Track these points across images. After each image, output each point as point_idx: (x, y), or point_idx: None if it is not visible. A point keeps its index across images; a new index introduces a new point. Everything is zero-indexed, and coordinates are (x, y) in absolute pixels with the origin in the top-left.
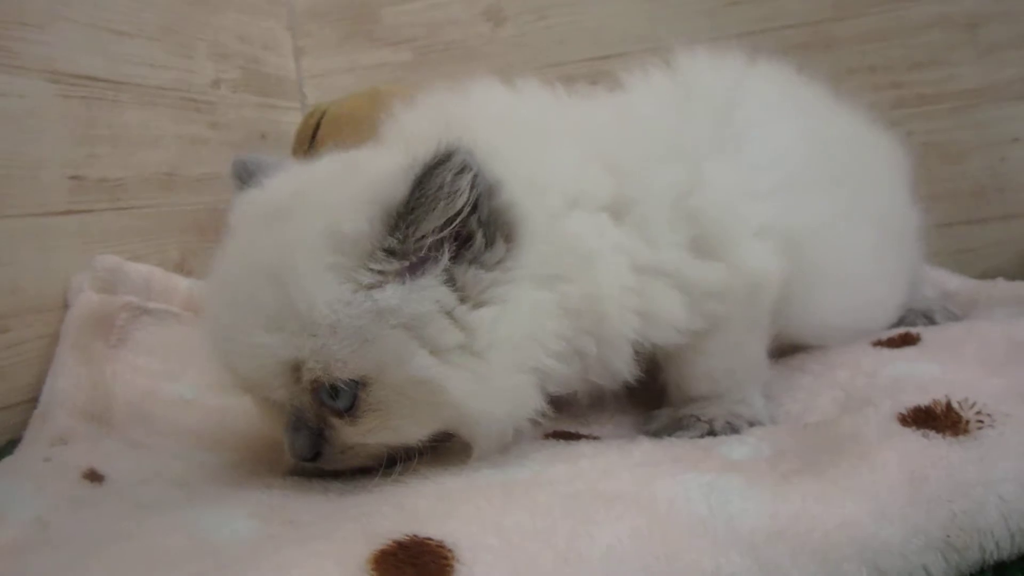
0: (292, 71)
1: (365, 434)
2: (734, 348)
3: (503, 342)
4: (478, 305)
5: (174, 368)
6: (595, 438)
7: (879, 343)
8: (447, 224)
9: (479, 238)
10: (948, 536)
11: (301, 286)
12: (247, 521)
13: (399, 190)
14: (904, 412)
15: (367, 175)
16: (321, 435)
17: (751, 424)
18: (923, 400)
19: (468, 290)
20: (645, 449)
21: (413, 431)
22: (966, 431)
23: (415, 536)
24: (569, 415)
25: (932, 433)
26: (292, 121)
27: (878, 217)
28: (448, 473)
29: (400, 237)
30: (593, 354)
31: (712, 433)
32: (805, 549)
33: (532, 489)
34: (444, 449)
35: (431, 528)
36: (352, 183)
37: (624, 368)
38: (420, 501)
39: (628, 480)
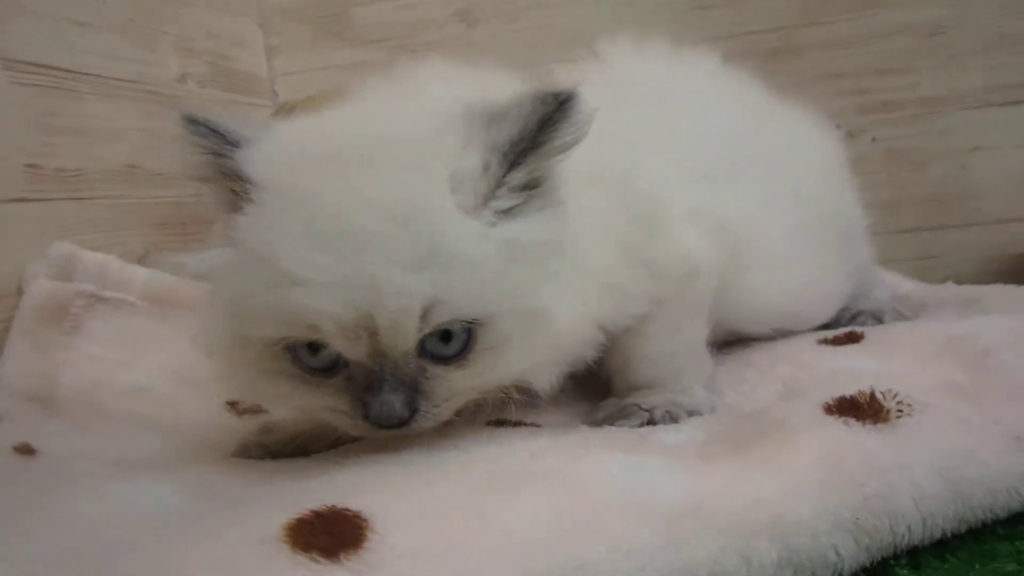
0: (263, 69)
1: (476, 376)
2: (673, 331)
3: (591, 272)
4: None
5: (128, 357)
6: (536, 426)
7: (825, 341)
8: (555, 161)
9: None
10: (858, 518)
11: (436, 226)
12: (175, 496)
13: (517, 128)
14: (830, 401)
15: (469, 114)
16: (416, 390)
17: (691, 414)
18: (850, 390)
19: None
20: (581, 435)
21: (521, 365)
22: (886, 420)
23: (333, 506)
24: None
25: (853, 421)
26: (263, 119)
27: (807, 203)
28: (382, 453)
29: (519, 173)
30: None
31: (652, 422)
32: (716, 525)
33: (457, 465)
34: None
35: (351, 500)
36: (455, 124)
37: (590, 349)
38: (348, 476)
39: (555, 459)
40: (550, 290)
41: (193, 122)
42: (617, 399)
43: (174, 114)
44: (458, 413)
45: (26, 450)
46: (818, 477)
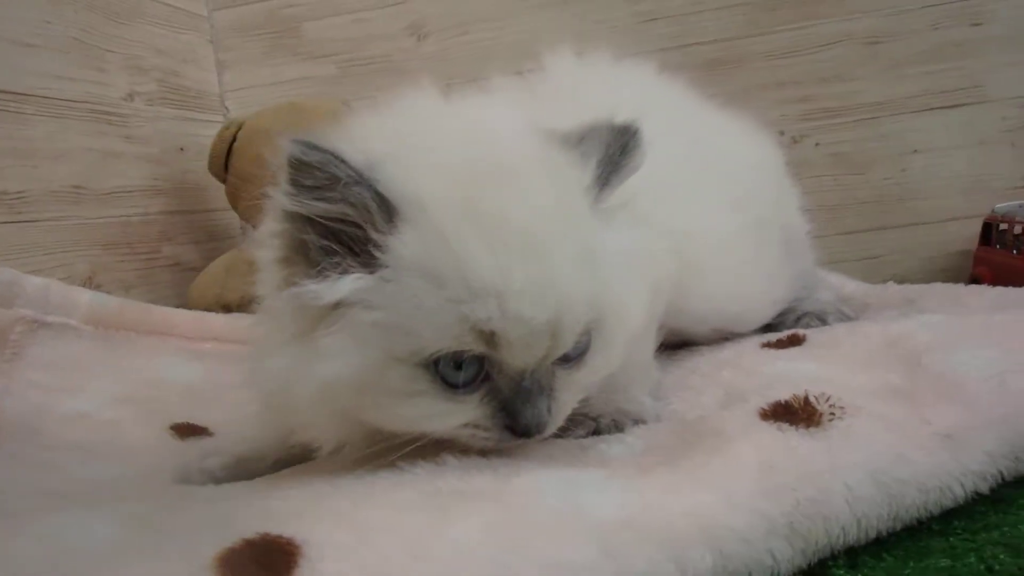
0: (214, 84)
1: (588, 375)
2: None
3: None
4: None
5: (71, 382)
6: None
7: (768, 344)
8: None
9: None
10: (792, 522)
11: (590, 231)
12: (107, 526)
13: (603, 153)
14: (766, 407)
15: (556, 137)
16: (551, 395)
17: (636, 422)
18: (786, 395)
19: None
20: (524, 450)
21: (616, 362)
22: (819, 424)
23: (266, 534)
24: None
25: (787, 426)
26: (213, 134)
27: (745, 209)
28: (319, 476)
29: (612, 188)
30: None
31: (598, 431)
32: (650, 537)
33: (392, 487)
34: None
35: (285, 527)
36: (554, 143)
37: None
38: (283, 503)
39: (489, 477)
40: (644, 295)
41: (334, 153)
42: None
43: (290, 146)
44: None
45: None
46: (751, 484)
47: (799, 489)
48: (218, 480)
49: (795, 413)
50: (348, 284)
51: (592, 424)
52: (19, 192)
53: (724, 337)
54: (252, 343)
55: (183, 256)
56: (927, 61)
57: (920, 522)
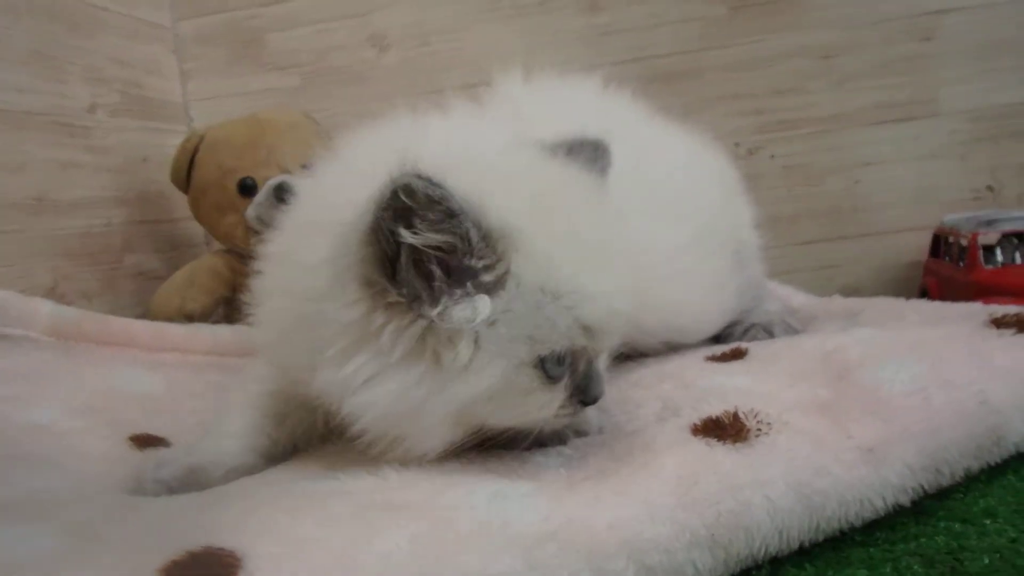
0: (178, 95)
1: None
2: None
3: None
4: None
5: (28, 393)
6: None
7: (712, 358)
8: None
9: None
10: (713, 534)
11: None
12: (52, 538)
13: (595, 159)
14: (698, 422)
15: (557, 147)
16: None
17: (578, 434)
18: (718, 410)
19: None
20: (465, 460)
21: None
22: (745, 439)
23: (209, 546)
24: None
25: (715, 441)
26: (177, 143)
27: (693, 223)
28: (265, 485)
29: None
30: None
31: (541, 443)
32: (573, 548)
33: (330, 499)
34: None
35: (226, 538)
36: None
37: None
38: (225, 514)
39: (423, 490)
40: None
41: (433, 184)
42: None
43: (405, 178)
44: None
45: None
46: (673, 498)
47: (721, 501)
48: (172, 490)
49: (724, 428)
50: (487, 306)
51: (536, 435)
52: None
53: (673, 349)
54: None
55: (146, 265)
56: (879, 75)
57: (843, 532)
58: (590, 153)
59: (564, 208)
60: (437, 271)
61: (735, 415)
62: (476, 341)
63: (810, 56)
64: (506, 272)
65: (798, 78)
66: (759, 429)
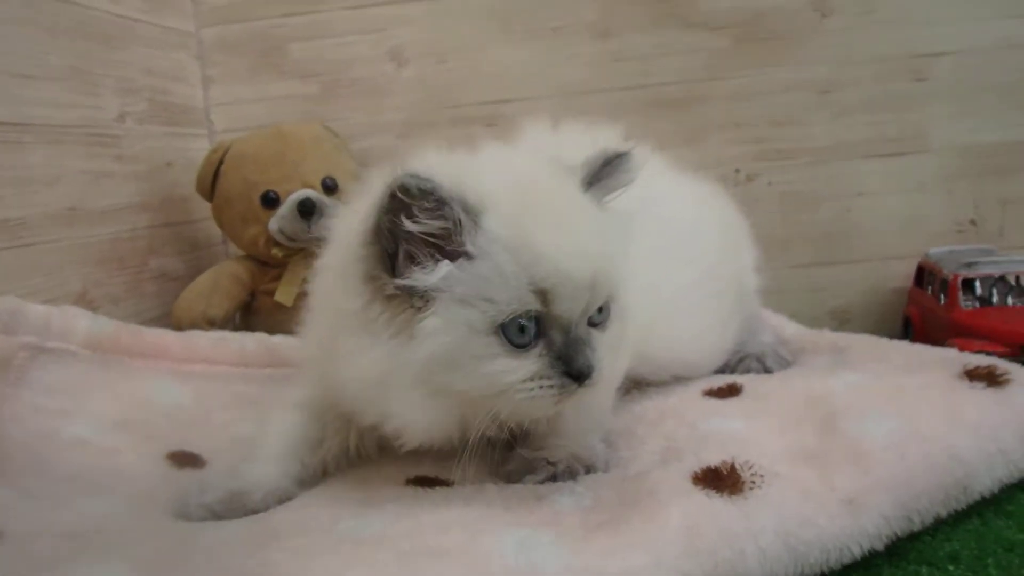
0: (200, 99)
1: (612, 339)
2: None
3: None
4: None
5: (72, 406)
6: (449, 483)
7: (710, 392)
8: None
9: None
10: None
11: (600, 219)
12: (129, 575)
13: (599, 163)
14: (698, 471)
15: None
16: (591, 347)
17: (588, 470)
18: (715, 460)
19: None
20: (487, 499)
21: (627, 342)
22: (740, 491)
23: None
24: (432, 458)
25: (714, 492)
26: (199, 148)
27: (701, 266)
28: (312, 524)
29: (603, 189)
30: None
31: (555, 477)
32: None
33: (375, 546)
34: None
35: None
36: (573, 167)
37: None
38: (281, 554)
39: (459, 536)
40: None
41: (423, 179)
42: (525, 451)
43: (402, 177)
44: None
45: None
46: (679, 547)
47: (718, 551)
48: (216, 515)
49: (722, 479)
50: (442, 270)
51: (551, 469)
52: (19, 219)
53: (677, 379)
54: (342, 354)
55: (168, 267)
56: (874, 111)
57: (823, 574)
58: (616, 161)
59: (540, 192)
60: (414, 251)
61: (732, 467)
62: (436, 307)
63: (809, 90)
64: (472, 238)
65: (797, 110)
66: (753, 482)
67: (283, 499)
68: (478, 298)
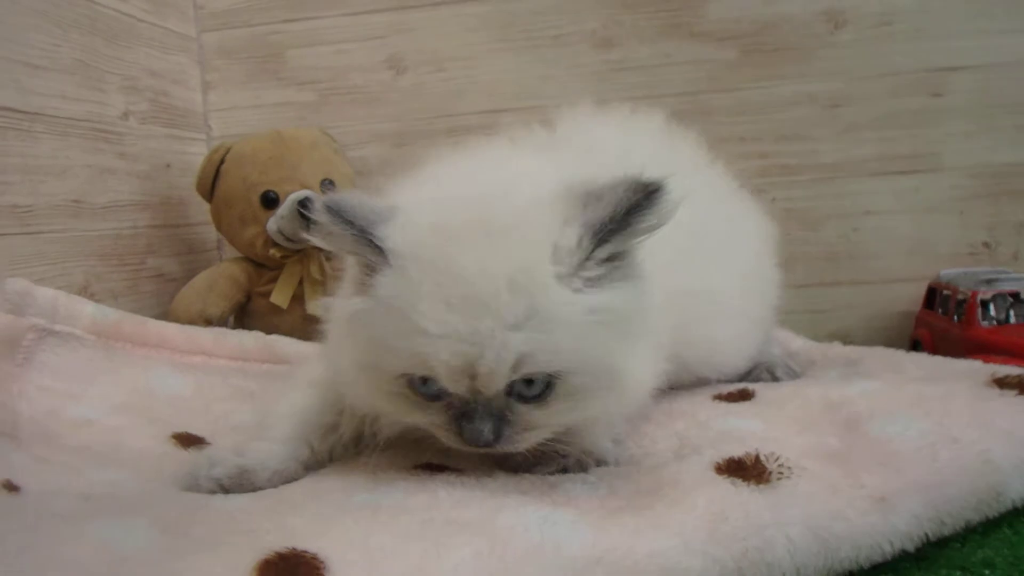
0: (199, 104)
1: (553, 415)
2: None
3: (654, 333)
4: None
5: (76, 389)
6: (458, 471)
7: (719, 397)
8: (639, 240)
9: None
10: (740, 568)
11: (535, 294)
12: (148, 532)
13: (608, 211)
14: (720, 462)
15: (568, 194)
16: (502, 419)
17: (598, 464)
18: (738, 452)
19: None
20: (499, 483)
21: (593, 410)
22: (767, 481)
23: (294, 548)
24: (437, 448)
25: (739, 481)
26: (196, 152)
27: (743, 276)
28: (327, 496)
29: (606, 249)
30: None
31: (565, 470)
32: (617, 573)
33: (395, 514)
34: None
35: (308, 542)
36: (557, 203)
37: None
38: (300, 519)
39: (477, 510)
40: (625, 351)
41: (336, 210)
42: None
43: (319, 203)
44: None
45: (10, 487)
46: (705, 532)
47: (747, 538)
48: (224, 488)
49: (747, 469)
50: (351, 305)
51: (561, 462)
52: (28, 206)
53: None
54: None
55: (165, 268)
56: (884, 127)
57: (852, 573)
58: (617, 197)
59: (459, 256)
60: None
61: (756, 458)
62: (350, 332)
63: (817, 104)
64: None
65: (804, 125)
66: (780, 473)
67: (289, 480)
68: (379, 343)
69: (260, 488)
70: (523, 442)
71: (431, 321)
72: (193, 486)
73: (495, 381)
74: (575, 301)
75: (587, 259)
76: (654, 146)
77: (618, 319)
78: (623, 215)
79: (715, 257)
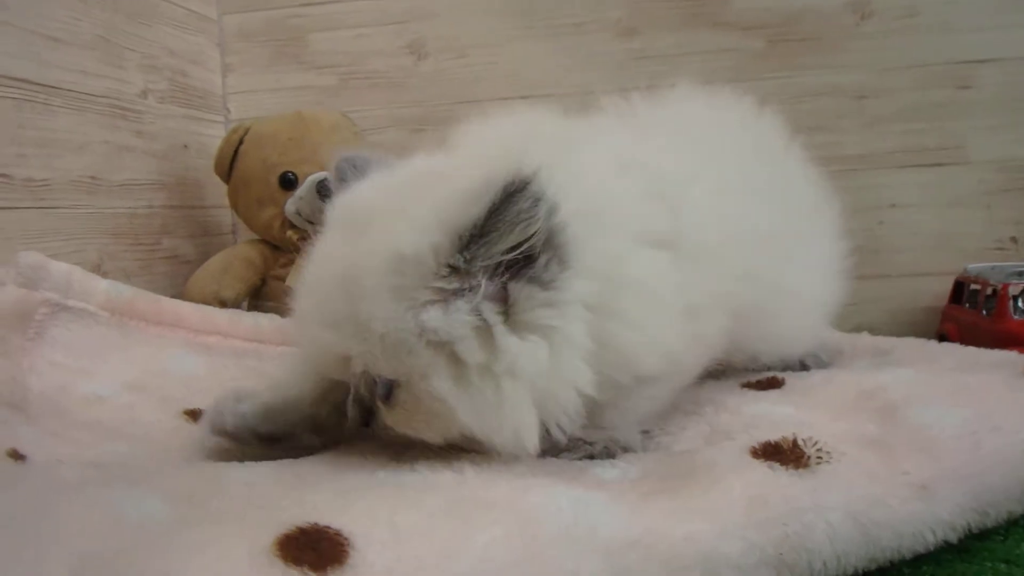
0: (218, 86)
1: (395, 423)
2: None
3: (527, 374)
4: (521, 327)
5: (88, 365)
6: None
7: (747, 385)
8: (514, 248)
9: (541, 260)
10: (781, 553)
11: (362, 301)
12: (161, 503)
13: (471, 214)
14: (756, 446)
15: (436, 195)
16: (370, 411)
17: (625, 450)
18: (774, 436)
19: (518, 307)
20: (526, 465)
21: (430, 434)
22: (806, 465)
23: (316, 524)
24: None
25: (777, 465)
26: (214, 134)
27: (820, 248)
28: (348, 472)
29: (466, 257)
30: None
31: (592, 456)
32: (653, 557)
33: (421, 491)
34: (345, 451)
35: (331, 518)
36: (421, 203)
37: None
38: (322, 494)
39: (506, 489)
40: (461, 382)
41: (345, 161)
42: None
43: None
44: None
45: (16, 455)
46: (743, 516)
47: (788, 523)
48: (251, 428)
49: (784, 453)
50: None
51: (587, 448)
52: (44, 180)
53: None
54: None
55: (180, 249)
56: (911, 119)
57: (893, 563)
58: (500, 197)
59: (337, 231)
60: None
61: (793, 442)
62: None
63: (842, 96)
64: None
65: (828, 116)
66: (819, 457)
67: (311, 430)
68: None
69: (282, 433)
70: (392, 433)
71: (295, 309)
72: (219, 422)
73: (339, 372)
74: (404, 318)
75: (446, 267)
76: (742, 127)
77: (466, 345)
78: (483, 219)
79: (801, 233)
